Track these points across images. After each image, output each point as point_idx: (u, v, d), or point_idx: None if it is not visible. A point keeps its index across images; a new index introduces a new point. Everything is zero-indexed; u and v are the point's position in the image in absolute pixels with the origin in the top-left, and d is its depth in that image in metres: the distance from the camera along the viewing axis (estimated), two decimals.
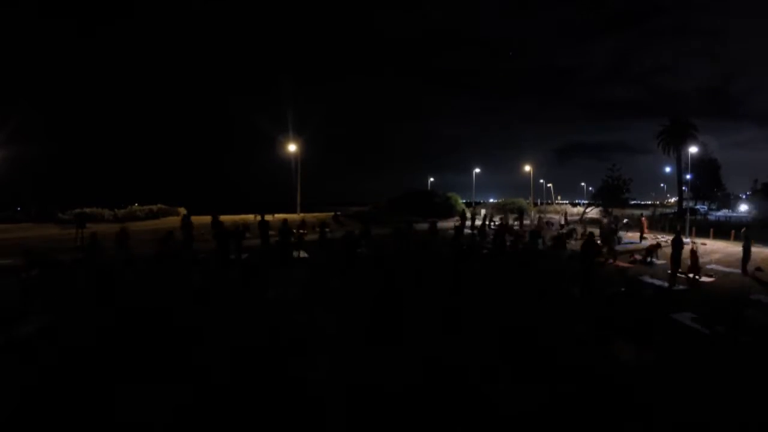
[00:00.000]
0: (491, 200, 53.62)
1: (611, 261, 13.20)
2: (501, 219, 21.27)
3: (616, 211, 33.56)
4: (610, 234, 15.31)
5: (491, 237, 17.91)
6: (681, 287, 9.86)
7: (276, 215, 29.36)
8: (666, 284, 9.96)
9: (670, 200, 72.91)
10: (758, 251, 15.00)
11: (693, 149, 30.35)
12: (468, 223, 23.96)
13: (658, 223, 27.93)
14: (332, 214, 33.37)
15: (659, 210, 49.69)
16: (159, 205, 29.60)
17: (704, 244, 17.73)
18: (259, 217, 24.01)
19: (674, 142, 44.58)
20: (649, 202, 79.87)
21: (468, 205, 41.74)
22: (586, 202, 55.44)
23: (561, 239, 15.09)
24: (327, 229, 21.64)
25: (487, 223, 22.12)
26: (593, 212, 38.23)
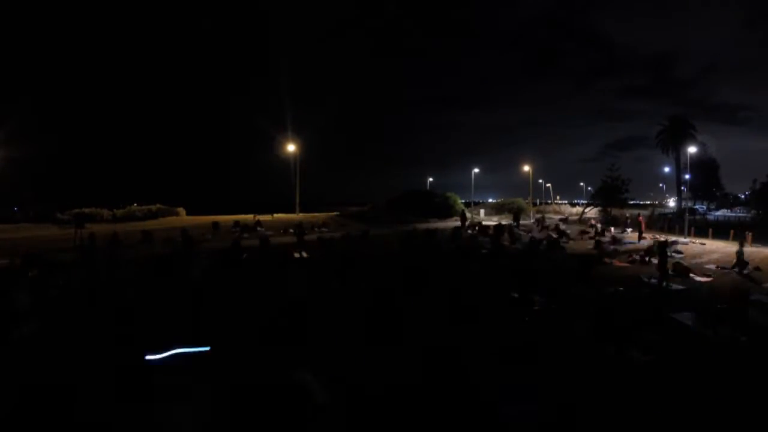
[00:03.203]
0: (490, 200, 53.64)
1: (610, 260, 13.22)
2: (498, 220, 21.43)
3: (615, 211, 33.65)
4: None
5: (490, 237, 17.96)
6: (680, 287, 9.87)
7: (275, 215, 29.39)
8: (665, 284, 9.96)
9: (668, 201, 72.82)
10: (758, 251, 15.05)
11: (692, 149, 30.43)
12: (467, 223, 24.01)
13: (656, 223, 28.01)
14: (332, 214, 33.40)
15: (658, 210, 49.79)
16: (158, 205, 29.57)
17: (703, 243, 17.78)
18: (258, 218, 24.09)
19: (673, 141, 44.71)
20: (648, 202, 79.93)
21: (467, 205, 41.74)
22: (585, 201, 55.54)
23: (556, 241, 15.20)
24: (325, 229, 21.75)
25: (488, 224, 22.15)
26: (592, 212, 38.32)
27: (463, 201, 39.86)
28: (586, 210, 41.73)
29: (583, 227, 24.23)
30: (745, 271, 11.61)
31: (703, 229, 22.21)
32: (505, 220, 26.88)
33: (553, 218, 33.52)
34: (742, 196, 52.81)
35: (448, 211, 33.40)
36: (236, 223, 21.33)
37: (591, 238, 19.14)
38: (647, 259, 13.21)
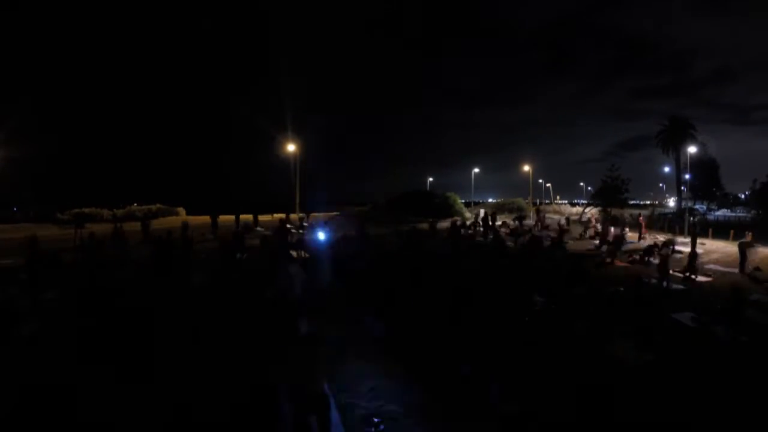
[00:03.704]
0: (490, 200, 53.54)
1: (610, 260, 13.21)
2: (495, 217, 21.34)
3: (615, 211, 33.60)
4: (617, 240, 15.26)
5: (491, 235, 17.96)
6: (680, 287, 9.87)
7: (275, 215, 29.34)
8: (664, 284, 9.96)
9: (668, 201, 72.66)
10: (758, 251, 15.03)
11: (692, 149, 30.41)
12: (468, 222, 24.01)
13: (656, 223, 27.97)
14: (333, 214, 33.35)
15: (658, 210, 49.70)
16: (158, 205, 29.51)
17: (703, 243, 17.75)
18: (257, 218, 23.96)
19: (673, 141, 44.68)
20: (648, 202, 79.78)
21: (467, 205, 41.69)
22: (585, 202, 55.44)
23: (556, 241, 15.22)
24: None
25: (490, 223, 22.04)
26: (592, 212, 38.26)
27: (463, 201, 39.83)
28: (585, 210, 41.68)
29: (583, 227, 24.17)
30: (746, 270, 11.60)
31: (703, 229, 22.15)
32: (506, 220, 26.82)
33: (553, 218, 33.48)
34: (743, 196, 52.72)
35: (448, 211, 33.34)
36: (236, 222, 21.28)
37: (591, 238, 19.13)
38: (647, 259, 13.20)
